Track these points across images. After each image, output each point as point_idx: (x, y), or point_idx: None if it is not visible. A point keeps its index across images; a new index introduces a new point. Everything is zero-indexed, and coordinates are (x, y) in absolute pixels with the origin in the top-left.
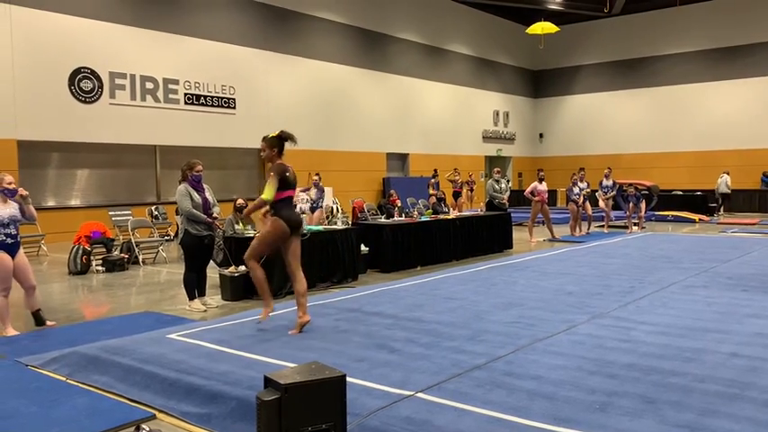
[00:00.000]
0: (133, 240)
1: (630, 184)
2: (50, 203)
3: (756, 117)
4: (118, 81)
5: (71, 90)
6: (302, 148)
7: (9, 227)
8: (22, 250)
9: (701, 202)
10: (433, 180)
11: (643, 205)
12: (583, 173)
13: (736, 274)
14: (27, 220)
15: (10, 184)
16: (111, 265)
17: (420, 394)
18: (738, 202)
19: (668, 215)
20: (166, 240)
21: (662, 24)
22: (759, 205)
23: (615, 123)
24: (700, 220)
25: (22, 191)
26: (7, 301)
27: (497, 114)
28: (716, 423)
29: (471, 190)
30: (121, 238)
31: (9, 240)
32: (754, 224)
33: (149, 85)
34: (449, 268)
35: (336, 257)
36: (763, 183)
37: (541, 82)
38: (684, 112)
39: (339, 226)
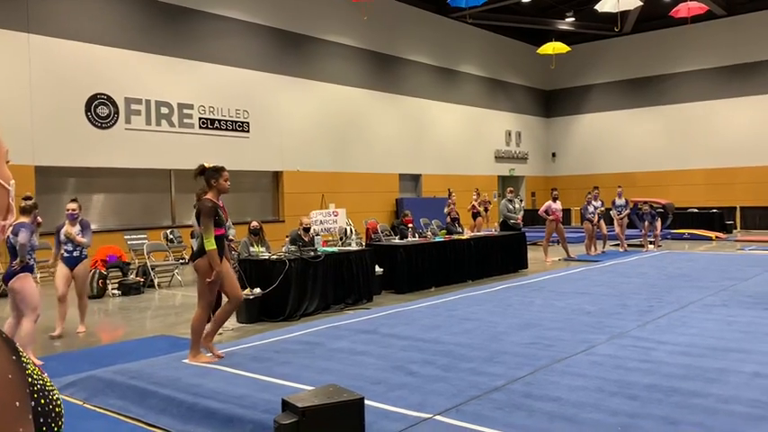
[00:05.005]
0: (148, 264)
1: (645, 202)
2: None
3: None
4: (134, 107)
5: (87, 116)
6: (315, 170)
7: (67, 244)
8: (82, 265)
9: (718, 220)
10: (450, 200)
11: (659, 223)
12: (597, 191)
13: (756, 292)
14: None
15: (68, 210)
16: (127, 289)
17: (438, 417)
18: (755, 219)
19: (684, 233)
20: (181, 263)
21: (673, 42)
22: None
23: (628, 142)
24: (717, 237)
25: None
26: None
27: (510, 134)
28: None
29: (486, 210)
30: (137, 261)
31: (65, 254)
32: None
33: (164, 110)
34: (464, 289)
35: (351, 279)
36: None
37: (553, 101)
38: (697, 129)
39: (353, 247)
